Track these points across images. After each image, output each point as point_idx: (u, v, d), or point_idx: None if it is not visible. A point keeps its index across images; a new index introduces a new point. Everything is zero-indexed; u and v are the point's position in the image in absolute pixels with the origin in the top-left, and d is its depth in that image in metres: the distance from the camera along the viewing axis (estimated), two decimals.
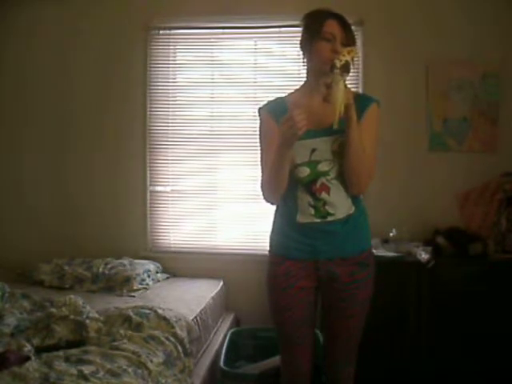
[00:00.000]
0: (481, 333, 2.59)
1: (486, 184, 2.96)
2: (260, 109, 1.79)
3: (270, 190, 1.71)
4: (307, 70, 1.74)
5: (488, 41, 2.97)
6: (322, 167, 1.66)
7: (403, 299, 2.65)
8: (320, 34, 1.63)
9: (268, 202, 1.75)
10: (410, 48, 3.04)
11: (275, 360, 2.37)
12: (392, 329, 2.64)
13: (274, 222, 1.83)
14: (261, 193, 1.74)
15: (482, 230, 2.87)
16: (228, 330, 2.84)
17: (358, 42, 3.07)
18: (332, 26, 1.63)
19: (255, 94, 3.22)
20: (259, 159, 1.77)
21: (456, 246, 2.73)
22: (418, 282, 2.64)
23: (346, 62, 1.54)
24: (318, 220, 1.68)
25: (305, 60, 1.73)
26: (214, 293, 2.92)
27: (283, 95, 1.81)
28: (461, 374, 2.59)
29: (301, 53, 1.74)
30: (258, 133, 1.81)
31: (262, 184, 1.73)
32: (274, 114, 1.72)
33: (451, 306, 2.61)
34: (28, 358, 1.84)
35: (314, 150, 1.66)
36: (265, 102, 1.80)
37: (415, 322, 2.66)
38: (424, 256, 2.63)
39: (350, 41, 1.64)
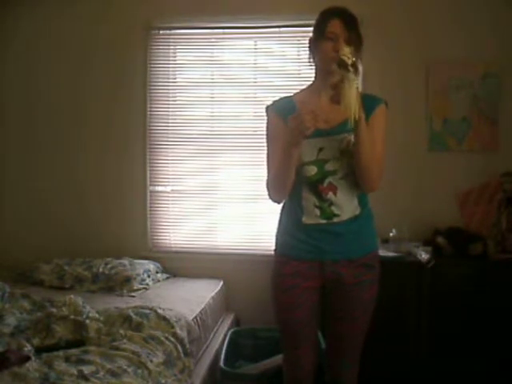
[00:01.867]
0: (481, 333, 2.59)
1: (486, 184, 2.96)
2: (267, 107, 1.78)
3: (275, 189, 1.70)
4: (315, 69, 1.74)
5: (488, 41, 2.96)
6: (330, 166, 1.66)
7: (403, 299, 2.65)
8: (324, 33, 1.63)
9: (273, 200, 1.74)
10: (409, 48, 3.04)
11: (275, 360, 2.37)
12: (392, 329, 2.64)
13: (280, 221, 1.82)
14: (266, 191, 1.73)
15: (481, 230, 2.87)
16: (228, 330, 2.84)
17: None
18: (335, 26, 1.62)
19: (255, 93, 3.22)
20: (265, 158, 1.76)
21: (456, 246, 2.73)
22: (418, 282, 2.64)
23: (353, 62, 1.52)
24: (324, 221, 1.68)
25: (313, 60, 1.73)
26: (214, 293, 2.92)
27: (290, 94, 1.80)
28: (461, 374, 2.58)
29: (309, 53, 1.74)
30: (263, 132, 1.80)
31: (267, 182, 1.72)
32: (282, 112, 1.71)
33: (451, 306, 2.61)
34: (28, 358, 1.84)
35: (321, 149, 1.65)
36: (272, 101, 1.79)
37: (415, 322, 2.66)
38: (424, 256, 2.63)
39: (354, 39, 1.63)
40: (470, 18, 2.98)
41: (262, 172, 1.81)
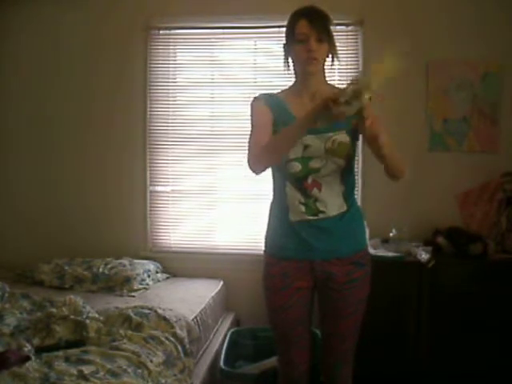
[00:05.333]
0: (481, 333, 2.59)
1: (486, 184, 2.96)
2: (255, 99, 1.78)
3: (262, 161, 1.64)
4: (294, 71, 1.76)
5: (488, 41, 2.96)
6: (314, 164, 1.66)
7: (403, 299, 2.65)
8: (294, 36, 1.66)
9: (253, 171, 1.67)
10: (410, 48, 3.03)
11: (275, 360, 2.37)
12: (392, 329, 2.64)
13: (269, 222, 1.84)
14: (246, 162, 1.66)
15: (481, 230, 2.87)
16: (228, 330, 2.84)
17: (358, 41, 3.09)
18: (303, 27, 1.64)
19: (255, 94, 3.19)
20: (248, 140, 1.70)
21: (456, 246, 2.73)
22: (418, 282, 2.64)
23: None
24: (310, 217, 1.69)
25: (291, 63, 1.75)
26: (214, 293, 2.92)
27: (276, 92, 1.82)
28: (461, 374, 2.59)
29: (284, 58, 1.76)
30: (249, 116, 1.77)
31: (251, 155, 1.65)
32: (269, 103, 1.74)
33: (451, 305, 2.61)
34: (28, 358, 1.84)
35: (306, 147, 1.66)
36: (258, 95, 1.80)
37: (415, 322, 2.66)
38: (424, 256, 2.63)
39: (325, 38, 1.65)
40: (470, 17, 2.98)
41: None
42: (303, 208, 1.69)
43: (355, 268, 1.72)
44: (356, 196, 1.81)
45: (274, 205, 1.81)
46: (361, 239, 1.80)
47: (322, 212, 1.68)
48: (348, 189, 1.73)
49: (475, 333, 2.60)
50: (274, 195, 1.80)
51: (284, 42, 1.75)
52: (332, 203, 1.69)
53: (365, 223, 1.84)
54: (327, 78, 1.80)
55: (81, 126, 3.33)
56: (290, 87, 1.80)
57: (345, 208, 1.71)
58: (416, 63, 3.04)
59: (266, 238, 1.83)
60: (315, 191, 1.68)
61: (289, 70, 1.77)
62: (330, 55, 1.71)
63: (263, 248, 1.84)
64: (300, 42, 1.64)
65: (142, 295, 2.77)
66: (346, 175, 1.72)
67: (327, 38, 1.66)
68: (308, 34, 1.63)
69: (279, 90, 1.82)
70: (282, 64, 1.78)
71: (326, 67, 1.73)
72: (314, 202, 1.68)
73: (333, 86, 1.78)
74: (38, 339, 2.05)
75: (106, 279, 2.91)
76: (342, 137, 1.65)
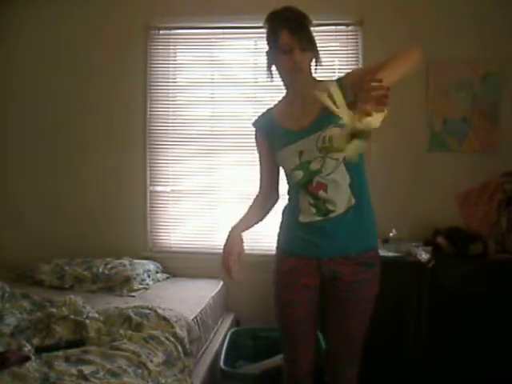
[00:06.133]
0: (481, 333, 2.60)
1: (486, 184, 2.96)
2: (252, 124, 1.87)
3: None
4: (281, 78, 1.74)
5: (488, 41, 2.96)
6: (314, 166, 1.66)
7: (403, 299, 2.65)
8: (277, 46, 1.64)
9: None
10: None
11: (275, 360, 2.38)
12: (392, 329, 2.64)
13: (282, 219, 1.85)
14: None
15: (481, 230, 2.87)
16: (228, 330, 2.84)
17: (358, 41, 3.09)
18: (286, 38, 1.61)
19: (255, 94, 3.22)
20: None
21: (456, 245, 2.73)
22: (418, 282, 2.64)
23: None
24: (320, 218, 1.69)
25: (276, 69, 1.73)
26: (214, 293, 2.92)
27: (271, 107, 1.85)
28: (461, 374, 2.59)
29: (267, 64, 1.74)
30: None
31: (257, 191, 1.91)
32: (262, 128, 1.82)
33: (451, 305, 2.61)
34: (28, 358, 1.84)
35: (301, 153, 1.67)
36: (257, 118, 1.86)
37: (415, 322, 2.66)
38: (424, 256, 2.63)
39: (306, 44, 1.63)
40: (470, 18, 2.98)
41: None
42: (314, 210, 1.70)
43: (364, 268, 1.71)
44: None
45: (287, 206, 1.83)
46: (370, 237, 1.77)
47: (332, 211, 1.68)
48: (355, 179, 1.69)
49: (475, 333, 2.60)
50: (289, 198, 1.82)
51: (267, 49, 1.72)
52: (340, 200, 1.67)
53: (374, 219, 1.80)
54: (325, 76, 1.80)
55: (81, 126, 3.33)
56: (283, 97, 1.82)
57: (353, 202, 1.68)
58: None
59: (277, 235, 1.86)
60: (321, 193, 1.67)
61: (272, 79, 1.75)
62: (314, 59, 1.68)
63: (275, 245, 1.86)
64: (284, 52, 1.62)
65: (142, 295, 2.77)
66: (350, 166, 1.67)
67: (310, 46, 1.64)
68: (291, 45, 1.61)
69: (275, 103, 1.85)
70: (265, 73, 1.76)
71: (312, 67, 1.71)
72: (323, 203, 1.68)
73: (319, 82, 1.73)
74: (38, 339, 2.05)
75: (106, 279, 2.91)
76: (333, 131, 1.61)
